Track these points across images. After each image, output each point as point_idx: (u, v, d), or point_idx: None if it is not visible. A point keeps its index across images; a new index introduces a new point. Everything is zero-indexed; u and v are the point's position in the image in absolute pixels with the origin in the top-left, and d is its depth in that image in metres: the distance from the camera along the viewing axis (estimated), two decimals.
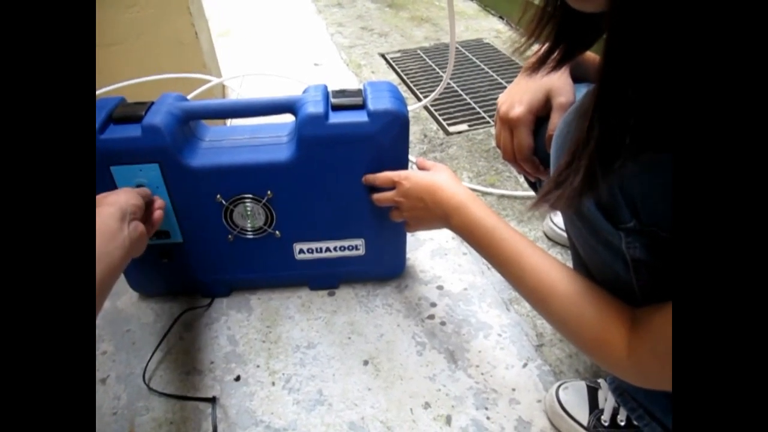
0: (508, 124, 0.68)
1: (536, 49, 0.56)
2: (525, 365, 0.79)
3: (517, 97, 0.67)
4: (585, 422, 0.68)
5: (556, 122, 0.62)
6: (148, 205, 0.72)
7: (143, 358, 0.82)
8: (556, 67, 0.55)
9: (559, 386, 0.72)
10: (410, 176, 0.71)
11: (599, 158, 0.36)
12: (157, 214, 0.72)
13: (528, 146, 0.68)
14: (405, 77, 1.67)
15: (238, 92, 1.41)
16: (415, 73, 1.70)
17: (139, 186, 0.74)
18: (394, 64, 1.76)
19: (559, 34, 0.51)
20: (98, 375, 0.80)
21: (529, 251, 0.58)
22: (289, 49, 1.90)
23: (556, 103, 0.65)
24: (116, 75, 1.11)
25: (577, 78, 0.67)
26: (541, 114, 0.67)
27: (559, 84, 0.65)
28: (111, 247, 0.56)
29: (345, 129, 0.72)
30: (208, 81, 1.17)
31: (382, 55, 1.84)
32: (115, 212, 0.60)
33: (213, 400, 0.72)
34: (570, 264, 0.61)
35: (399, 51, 1.87)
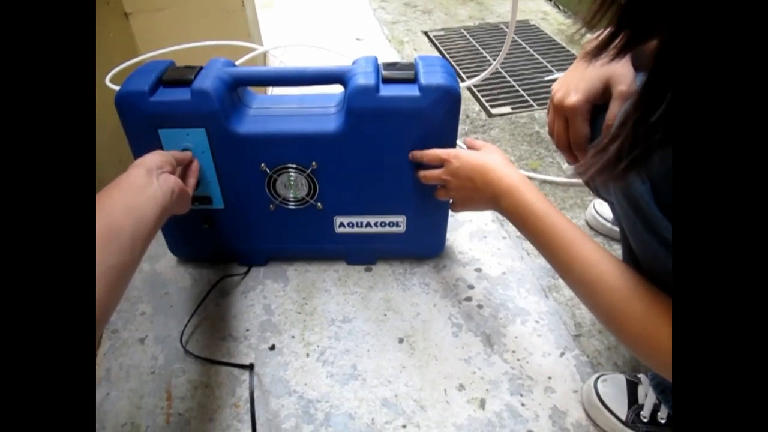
0: (563, 113, 0.65)
1: (592, 35, 0.53)
2: (562, 354, 0.78)
3: (574, 84, 0.64)
4: (623, 416, 0.67)
5: (616, 112, 0.59)
6: (185, 168, 0.72)
7: (180, 321, 0.83)
8: (618, 55, 0.52)
9: (598, 378, 0.71)
10: (460, 155, 0.70)
11: (637, 134, 0.36)
12: (194, 165, 0.73)
13: (584, 136, 0.66)
14: (447, 56, 1.64)
15: (281, 62, 1.40)
16: (458, 52, 1.66)
17: (184, 150, 0.74)
18: (437, 42, 1.73)
19: (622, 21, 0.48)
20: (137, 335, 0.81)
21: (580, 241, 0.56)
22: (331, 23, 1.88)
23: (616, 91, 0.62)
24: (162, 40, 1.11)
25: (638, 66, 0.64)
26: (598, 102, 0.64)
27: (620, 72, 0.62)
28: (141, 200, 0.56)
29: (395, 102, 0.70)
30: (253, 49, 1.16)
31: (425, 33, 1.80)
32: (140, 170, 0.60)
33: (251, 367, 0.73)
34: (618, 255, 0.59)
35: (442, 29, 1.83)
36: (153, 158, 0.63)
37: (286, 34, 1.77)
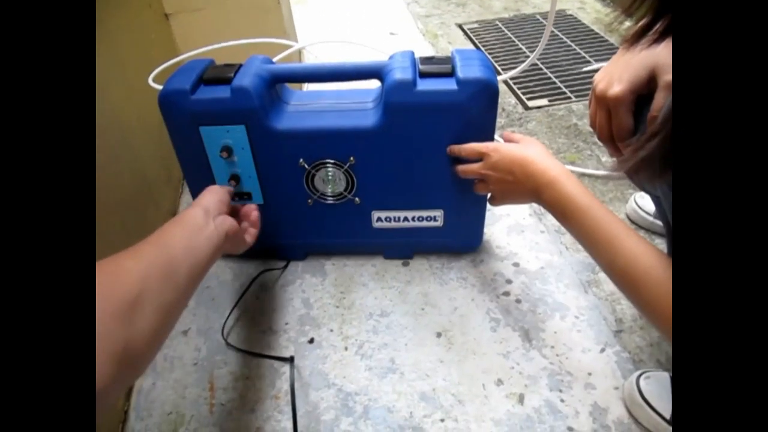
0: (606, 104, 0.64)
1: (631, 22, 0.51)
2: (602, 350, 0.76)
3: (617, 74, 0.63)
4: (668, 415, 0.65)
5: (662, 102, 0.58)
6: (235, 212, 0.74)
7: (222, 314, 0.85)
8: (657, 40, 0.50)
9: (640, 375, 0.69)
10: (499, 148, 0.69)
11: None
12: (254, 215, 0.74)
13: (627, 128, 0.64)
14: (483, 49, 1.62)
15: (316, 58, 1.41)
16: (493, 44, 1.64)
17: (224, 147, 0.76)
18: (471, 34, 1.72)
19: (661, 6, 0.47)
20: (180, 327, 0.83)
21: (623, 234, 0.55)
22: (364, 18, 1.89)
23: (662, 81, 0.60)
24: (201, 39, 1.13)
25: None
26: (643, 93, 0.63)
27: (666, 61, 0.60)
28: (199, 241, 0.58)
29: (433, 97, 0.70)
30: (289, 46, 1.17)
31: (459, 26, 1.79)
32: (198, 210, 0.62)
33: (291, 360, 0.74)
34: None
35: (476, 21, 1.81)
36: (211, 199, 0.65)
37: (320, 30, 1.78)
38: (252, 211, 0.75)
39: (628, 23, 0.52)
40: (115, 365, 0.40)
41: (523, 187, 0.67)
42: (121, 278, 0.46)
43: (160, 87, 0.77)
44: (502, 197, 0.73)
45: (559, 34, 1.66)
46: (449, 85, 0.70)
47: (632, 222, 0.97)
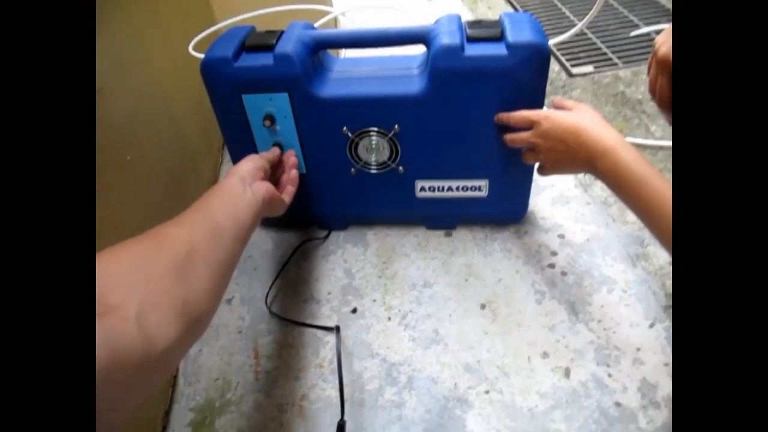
0: (668, 68, 0.61)
1: None
2: (652, 325, 0.74)
3: None
4: None
5: None
6: (275, 167, 0.74)
7: (264, 283, 0.85)
8: None
9: None
10: (550, 116, 0.67)
11: None
12: (292, 174, 0.75)
13: None
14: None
15: (353, 24, 1.38)
16: (535, 9, 1.59)
17: (267, 115, 0.75)
18: None
19: None
20: (224, 296, 0.84)
21: None
22: None
23: None
24: (237, 7, 1.11)
25: None
26: None
27: None
28: (238, 206, 0.60)
29: (482, 62, 0.68)
30: (327, 12, 1.15)
31: None
32: (234, 179, 0.63)
33: (336, 329, 0.74)
34: None
35: None
36: (246, 166, 0.66)
37: None
38: (294, 166, 0.76)
39: None
40: (179, 320, 0.42)
41: (575, 156, 0.64)
42: (171, 241, 0.47)
43: (200, 55, 0.76)
44: (552, 167, 0.71)
45: None
46: (499, 50, 0.68)
47: None
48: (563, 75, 1.28)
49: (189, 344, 0.46)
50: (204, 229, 0.52)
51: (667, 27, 0.62)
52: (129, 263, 0.42)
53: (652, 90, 0.63)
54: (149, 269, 0.43)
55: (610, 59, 1.31)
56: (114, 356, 0.34)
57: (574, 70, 1.29)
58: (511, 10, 1.61)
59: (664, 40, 0.59)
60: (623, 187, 0.59)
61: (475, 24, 0.72)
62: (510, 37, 0.68)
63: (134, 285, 0.40)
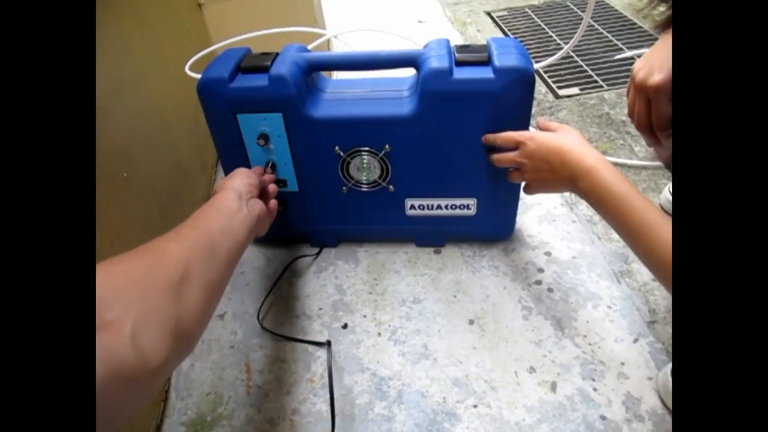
0: (645, 93, 0.63)
1: (665, 6, 0.51)
2: (635, 340, 0.76)
3: (658, 62, 0.62)
4: None
5: None
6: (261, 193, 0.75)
7: (256, 299, 0.86)
8: None
9: None
10: (535, 136, 0.69)
11: None
12: (272, 204, 0.75)
13: (667, 117, 0.63)
14: (512, 37, 1.61)
15: (345, 45, 1.41)
16: (524, 32, 1.63)
17: (261, 134, 0.77)
18: (500, 22, 1.70)
19: None
20: (217, 311, 0.85)
21: (661, 223, 0.55)
22: (391, 6, 1.88)
23: None
24: (233, 28, 1.14)
25: None
26: None
27: None
28: (234, 224, 0.60)
29: (469, 85, 0.70)
30: (320, 35, 1.17)
31: (488, 13, 1.77)
32: (231, 194, 0.64)
33: (328, 344, 0.75)
34: None
35: (506, 9, 1.79)
36: (242, 182, 0.67)
37: (347, 18, 1.79)
38: (273, 195, 0.76)
39: (661, 8, 0.51)
40: (171, 339, 0.42)
41: (559, 175, 0.67)
42: (167, 259, 0.48)
43: (196, 75, 0.79)
44: (537, 186, 0.73)
45: (591, 21, 1.63)
46: (486, 73, 0.71)
47: (666, 212, 0.96)
48: (550, 96, 1.32)
49: (178, 361, 0.47)
50: (201, 249, 0.52)
51: (645, 53, 0.64)
52: (127, 278, 0.43)
53: (631, 114, 0.65)
54: (146, 286, 0.43)
55: (596, 81, 1.35)
56: (111, 371, 0.35)
57: (561, 92, 1.32)
58: (499, 33, 1.65)
59: (641, 66, 0.62)
60: (604, 205, 0.61)
61: (464, 48, 0.75)
62: (497, 61, 0.71)
63: (131, 301, 0.41)
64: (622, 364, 0.74)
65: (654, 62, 0.62)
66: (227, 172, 0.85)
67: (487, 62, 0.72)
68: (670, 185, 0.96)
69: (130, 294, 0.42)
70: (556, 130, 0.70)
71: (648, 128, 0.65)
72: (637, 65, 0.64)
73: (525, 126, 0.74)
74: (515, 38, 1.53)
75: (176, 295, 0.45)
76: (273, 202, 0.76)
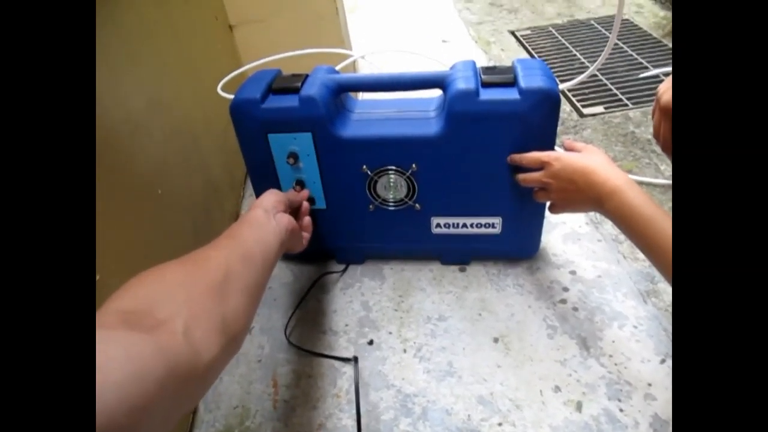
0: (670, 115, 0.64)
1: None
2: (663, 361, 0.76)
3: None
4: None
5: None
6: (296, 210, 0.79)
7: (283, 314, 0.88)
8: None
9: None
10: (561, 157, 0.70)
11: None
12: (306, 220, 0.79)
13: None
14: (536, 56, 1.62)
15: (371, 66, 1.44)
16: (548, 51, 1.64)
17: (291, 153, 0.79)
18: (524, 41, 1.71)
19: None
20: None
21: None
22: (415, 26, 1.91)
23: None
24: (262, 50, 1.17)
25: None
26: None
27: None
28: (264, 233, 0.64)
29: (496, 106, 0.72)
30: (347, 56, 1.20)
31: (512, 33, 1.79)
32: (259, 210, 0.68)
33: (354, 360, 0.76)
34: None
35: (529, 28, 1.81)
36: (269, 199, 0.71)
37: (372, 38, 1.82)
38: (305, 213, 0.80)
39: None
40: (219, 336, 0.45)
41: (585, 196, 0.67)
42: (210, 264, 0.52)
43: (228, 96, 0.81)
44: (563, 206, 0.74)
45: (616, 40, 1.64)
46: (512, 94, 0.72)
47: None
48: (575, 115, 1.32)
49: (227, 360, 0.49)
50: (237, 254, 0.56)
51: (658, 71, 0.65)
52: (173, 282, 0.47)
53: (656, 135, 0.66)
54: (192, 288, 0.47)
55: (620, 100, 1.35)
56: (168, 367, 0.37)
57: (586, 111, 1.32)
58: (523, 52, 1.66)
59: (666, 88, 0.63)
60: (630, 226, 0.62)
61: (490, 70, 0.76)
62: (522, 82, 0.72)
63: (180, 302, 0.44)
64: (649, 385, 0.73)
65: None
66: (257, 189, 0.87)
67: (513, 83, 0.73)
68: None
69: (178, 295, 0.45)
70: (582, 151, 0.71)
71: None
72: (662, 87, 0.64)
73: (550, 146, 0.75)
74: (540, 58, 1.55)
75: (220, 296, 0.48)
76: (307, 219, 0.79)
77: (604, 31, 1.71)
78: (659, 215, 0.59)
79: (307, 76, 0.80)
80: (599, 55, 0.82)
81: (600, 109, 1.33)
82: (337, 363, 0.80)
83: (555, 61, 1.58)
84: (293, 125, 0.77)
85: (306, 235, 0.78)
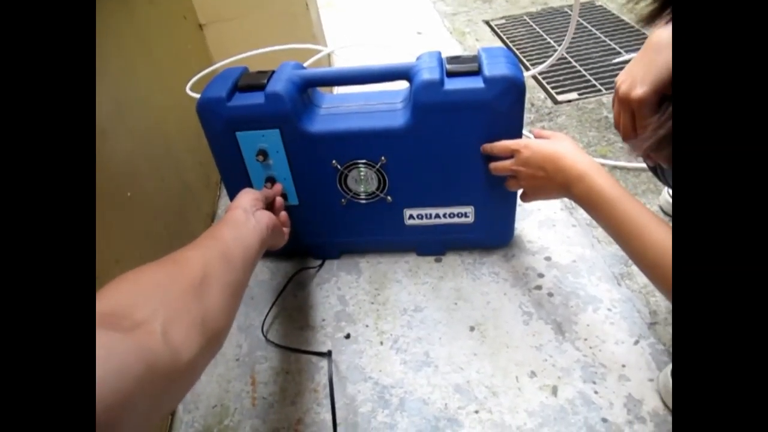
0: (629, 106, 0.63)
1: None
2: (636, 342, 0.77)
3: (640, 74, 0.61)
4: None
5: None
6: (270, 205, 0.79)
7: (261, 312, 0.88)
8: None
9: None
10: (530, 144, 0.70)
11: None
12: (283, 215, 0.79)
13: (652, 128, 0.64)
14: (511, 45, 1.63)
15: (346, 61, 1.44)
16: (522, 40, 1.64)
17: (260, 151, 0.79)
18: (499, 31, 1.72)
19: None
20: None
21: (653, 226, 0.56)
22: (390, 19, 1.91)
23: None
24: (233, 48, 1.16)
25: None
26: (667, 92, 0.62)
27: None
28: (244, 232, 0.65)
29: (461, 95, 0.72)
30: (318, 51, 1.20)
31: (487, 22, 1.79)
32: (238, 210, 0.68)
33: (329, 354, 0.77)
34: None
35: (503, 17, 1.81)
36: (246, 198, 0.71)
37: (348, 32, 1.81)
38: (281, 208, 0.80)
39: (643, 2, 0.51)
40: (199, 335, 0.45)
41: (554, 182, 0.68)
42: (188, 264, 0.52)
43: (197, 95, 0.81)
44: (533, 193, 0.74)
45: (587, 25, 1.64)
46: (476, 83, 0.72)
47: (666, 214, 0.96)
48: (549, 102, 1.33)
49: (209, 358, 0.50)
50: (216, 254, 0.56)
51: (631, 56, 0.65)
52: (151, 283, 0.47)
53: (617, 125, 0.66)
54: (170, 288, 0.47)
55: (594, 86, 1.36)
56: (147, 365, 0.37)
57: (559, 98, 1.33)
58: (498, 42, 1.67)
59: (623, 80, 0.62)
60: (597, 209, 0.62)
61: (454, 59, 0.76)
62: (487, 71, 0.72)
63: (158, 303, 0.44)
64: (623, 366, 0.74)
65: (636, 75, 0.61)
66: (229, 188, 0.87)
67: (478, 72, 0.73)
68: (667, 188, 0.97)
69: (156, 296, 0.45)
70: (551, 138, 0.72)
71: (633, 137, 0.66)
72: (620, 78, 0.64)
73: (518, 133, 0.75)
74: (514, 46, 1.55)
75: (199, 295, 0.49)
76: (283, 214, 0.79)
77: (578, 18, 1.71)
78: (625, 197, 0.60)
79: (273, 72, 0.80)
80: (573, 41, 0.83)
81: (574, 95, 1.34)
82: (314, 358, 0.80)
83: (529, 48, 1.58)
84: (260, 122, 0.77)
85: (286, 230, 0.78)
